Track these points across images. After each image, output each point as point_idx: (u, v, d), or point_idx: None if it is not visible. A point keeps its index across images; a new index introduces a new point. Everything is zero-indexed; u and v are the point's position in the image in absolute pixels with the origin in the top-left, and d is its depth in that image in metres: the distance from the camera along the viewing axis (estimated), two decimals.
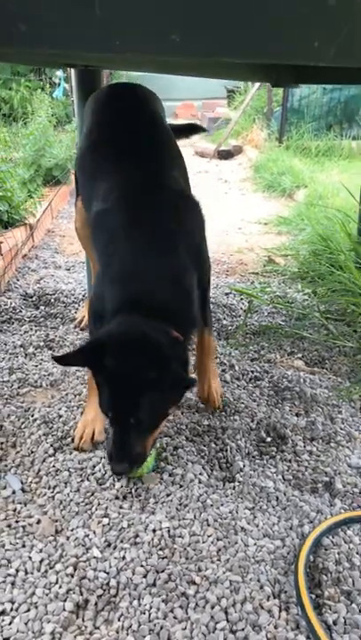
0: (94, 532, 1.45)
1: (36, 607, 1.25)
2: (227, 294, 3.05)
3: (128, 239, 1.64)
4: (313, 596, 1.30)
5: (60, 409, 1.93)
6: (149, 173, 1.80)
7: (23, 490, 1.60)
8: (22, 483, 1.62)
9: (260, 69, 1.86)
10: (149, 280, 1.57)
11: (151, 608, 1.26)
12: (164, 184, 1.80)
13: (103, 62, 1.85)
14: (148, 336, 1.45)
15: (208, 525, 1.48)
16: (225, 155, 8.72)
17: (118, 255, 1.63)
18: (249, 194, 6.24)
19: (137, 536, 1.44)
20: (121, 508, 1.54)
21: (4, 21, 0.66)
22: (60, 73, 9.41)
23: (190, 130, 2.76)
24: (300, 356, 2.43)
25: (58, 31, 0.67)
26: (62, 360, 1.61)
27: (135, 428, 1.46)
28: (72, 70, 2.64)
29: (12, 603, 1.26)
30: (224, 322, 2.71)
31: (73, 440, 1.78)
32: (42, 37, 0.67)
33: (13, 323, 2.62)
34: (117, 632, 1.21)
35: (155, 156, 1.88)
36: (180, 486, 1.61)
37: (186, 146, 9.54)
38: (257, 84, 8.24)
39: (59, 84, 9.60)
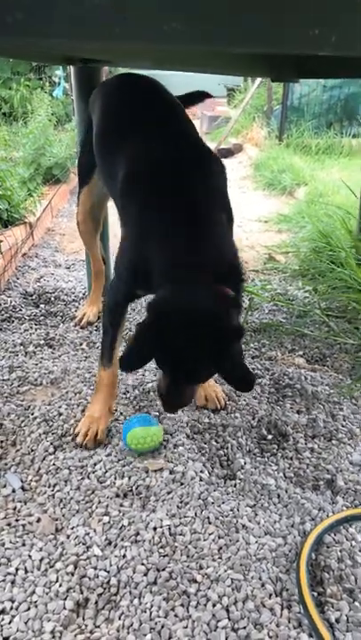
0: (95, 531, 1.44)
1: (36, 606, 1.24)
2: None
3: (164, 196, 1.56)
4: (315, 594, 1.29)
5: (60, 407, 1.92)
6: (176, 133, 1.77)
7: (23, 488, 1.59)
8: (22, 481, 1.61)
9: (260, 63, 1.84)
10: (194, 237, 1.50)
11: (152, 606, 1.25)
12: (191, 142, 1.76)
13: (102, 54, 1.83)
14: (206, 310, 1.41)
15: (209, 523, 1.47)
16: (225, 153, 8.70)
17: (156, 213, 1.55)
18: (249, 192, 6.23)
19: (138, 534, 1.43)
20: (121, 505, 1.53)
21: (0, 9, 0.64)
22: (59, 72, 9.40)
23: (195, 98, 2.61)
24: (301, 353, 2.42)
25: (56, 20, 0.66)
26: (130, 366, 1.56)
27: (188, 383, 1.53)
28: (71, 69, 2.63)
29: (12, 602, 1.25)
30: None
31: (75, 436, 1.77)
32: (39, 26, 0.65)
33: (13, 321, 2.61)
34: (118, 631, 1.20)
35: (176, 120, 1.84)
36: (181, 484, 1.60)
37: None
38: (257, 82, 8.22)
39: (58, 83, 9.58)
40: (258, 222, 4.78)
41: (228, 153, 8.72)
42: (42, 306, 2.78)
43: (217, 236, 1.54)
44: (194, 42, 0.68)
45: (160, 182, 1.57)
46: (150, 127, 1.76)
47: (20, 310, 2.70)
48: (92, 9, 0.64)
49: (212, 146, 8.81)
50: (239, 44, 0.69)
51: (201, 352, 1.41)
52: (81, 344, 2.40)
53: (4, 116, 8.44)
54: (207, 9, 0.65)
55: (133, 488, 1.59)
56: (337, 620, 1.23)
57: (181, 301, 1.41)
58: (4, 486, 1.59)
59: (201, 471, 1.64)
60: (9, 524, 1.46)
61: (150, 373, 2.15)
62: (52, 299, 2.83)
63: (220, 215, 1.60)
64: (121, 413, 1.91)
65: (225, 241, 1.58)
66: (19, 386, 2.08)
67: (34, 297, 2.86)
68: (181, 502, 1.54)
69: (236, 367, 1.44)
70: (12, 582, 1.29)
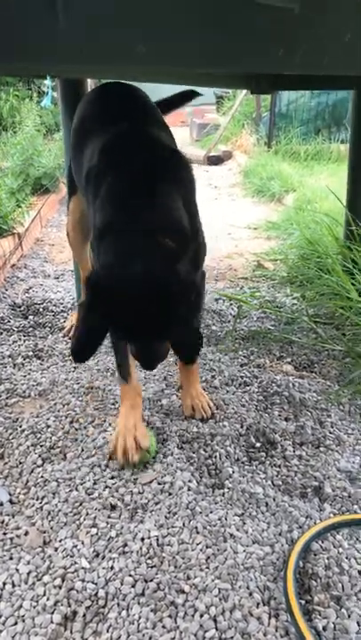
0: (83, 543, 1.44)
1: (24, 620, 1.23)
2: (216, 300, 3.05)
3: (120, 195, 1.52)
4: (303, 602, 1.30)
5: (48, 419, 1.92)
6: (136, 128, 1.72)
7: (11, 501, 1.59)
8: (10, 494, 1.61)
9: (238, 77, 1.87)
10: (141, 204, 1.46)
11: (140, 618, 1.25)
12: (158, 145, 1.71)
13: (74, 73, 1.85)
14: (147, 272, 1.35)
15: (197, 533, 1.47)
16: (215, 160, 8.75)
17: (111, 211, 1.51)
18: (238, 199, 6.26)
19: (125, 545, 1.43)
20: (109, 517, 1.53)
21: None
22: (48, 82, 9.43)
23: (183, 98, 2.56)
24: (289, 360, 2.43)
25: (21, 44, 0.67)
26: (82, 357, 1.51)
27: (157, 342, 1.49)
28: (57, 80, 2.65)
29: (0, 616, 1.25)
30: (213, 327, 2.71)
31: (110, 458, 1.73)
32: (3, 50, 0.66)
33: (2, 333, 2.61)
34: None
35: (143, 123, 1.80)
36: (169, 494, 1.60)
37: None
38: (245, 90, 8.28)
39: (47, 93, 9.60)
40: (247, 229, 4.80)
41: (218, 160, 8.77)
42: (30, 317, 2.78)
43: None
44: (159, 64, 0.69)
45: (118, 181, 1.54)
46: (116, 129, 1.72)
47: (9, 322, 2.71)
48: (56, 33, 0.65)
49: (201, 153, 8.87)
50: (205, 66, 0.70)
51: (155, 313, 1.36)
52: (70, 355, 2.40)
53: None
54: (170, 32, 0.67)
55: (121, 499, 1.59)
56: (324, 628, 1.23)
57: (121, 270, 1.35)
58: None
59: (189, 481, 1.65)
60: None
61: (139, 382, 2.15)
62: (41, 310, 2.84)
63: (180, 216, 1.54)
64: (109, 424, 1.91)
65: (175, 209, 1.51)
66: (7, 398, 2.08)
67: (22, 308, 2.86)
68: (169, 512, 1.54)
69: (186, 333, 1.42)
70: (0, 597, 1.29)
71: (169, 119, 2.38)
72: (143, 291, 1.34)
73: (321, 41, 0.68)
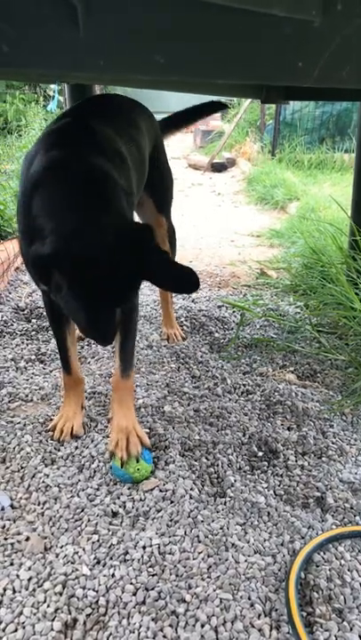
0: (84, 549, 1.44)
1: (24, 627, 1.23)
2: (219, 307, 3.06)
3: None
4: (304, 614, 1.29)
5: (50, 424, 1.92)
6: (74, 123, 1.66)
7: (12, 506, 1.58)
8: (12, 499, 1.61)
9: (248, 87, 1.88)
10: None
11: (141, 627, 1.24)
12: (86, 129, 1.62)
13: (90, 80, 1.86)
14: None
15: (199, 542, 1.47)
16: (218, 167, 8.77)
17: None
18: (242, 206, 6.27)
19: (127, 553, 1.42)
20: (111, 524, 1.52)
21: None
22: (54, 86, 9.47)
23: (211, 108, 2.56)
24: (291, 369, 2.43)
25: (41, 52, 0.67)
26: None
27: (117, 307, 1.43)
28: (65, 85, 2.66)
29: (0, 623, 1.24)
30: (216, 334, 2.71)
31: (52, 431, 1.88)
32: (24, 58, 0.67)
33: (5, 336, 2.60)
34: None
35: (87, 117, 1.73)
36: (171, 502, 1.60)
37: (180, 158, 9.61)
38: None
39: (53, 97, 9.64)
40: (250, 237, 4.81)
41: (222, 167, 8.79)
42: (33, 321, 2.78)
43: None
44: (177, 75, 0.69)
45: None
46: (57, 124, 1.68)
47: (12, 325, 2.70)
48: (77, 42, 0.66)
49: (205, 160, 8.89)
50: (222, 77, 0.70)
51: (122, 271, 1.31)
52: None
53: None
54: (189, 43, 0.67)
55: (123, 506, 1.58)
56: None
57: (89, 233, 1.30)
58: None
59: (191, 489, 1.64)
60: None
61: (141, 389, 2.16)
62: (44, 313, 2.83)
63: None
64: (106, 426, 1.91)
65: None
66: (9, 402, 2.07)
67: (25, 312, 2.86)
68: (171, 521, 1.53)
69: (167, 268, 1.33)
70: (0, 603, 1.28)
71: None
72: (115, 250, 1.29)
73: (341, 54, 0.68)
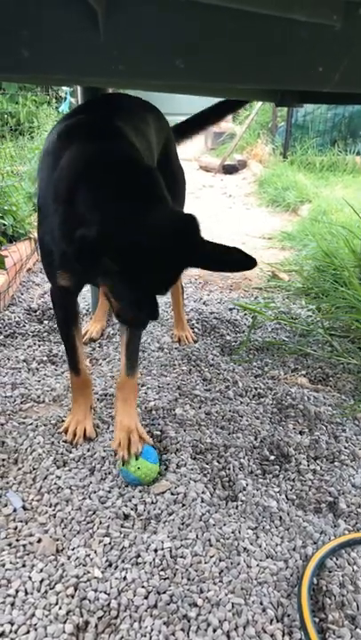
0: (95, 552, 1.44)
1: (36, 629, 1.23)
2: (230, 310, 3.05)
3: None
4: (317, 620, 1.28)
5: (62, 425, 1.92)
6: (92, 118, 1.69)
7: (24, 508, 1.59)
8: (23, 500, 1.61)
9: (264, 90, 1.87)
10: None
11: (152, 630, 1.24)
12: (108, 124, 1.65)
13: (109, 84, 1.86)
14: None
15: (210, 545, 1.46)
16: (229, 169, 8.76)
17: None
18: (253, 208, 6.26)
19: (138, 556, 1.42)
20: (122, 526, 1.52)
21: (7, 48, 0.66)
22: (66, 87, 9.49)
23: (229, 107, 2.60)
24: (303, 372, 2.42)
25: (62, 57, 0.67)
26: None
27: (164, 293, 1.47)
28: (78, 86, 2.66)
29: (12, 624, 1.24)
30: (228, 337, 2.71)
31: (65, 433, 1.88)
32: (45, 63, 0.67)
33: (17, 337, 2.61)
34: None
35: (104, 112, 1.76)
36: (183, 505, 1.59)
37: (191, 160, 9.60)
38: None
39: (65, 99, 9.67)
40: (261, 239, 4.80)
41: (233, 169, 8.78)
42: (45, 322, 2.78)
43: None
44: (198, 80, 0.69)
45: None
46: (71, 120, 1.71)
47: (24, 326, 2.71)
48: (98, 47, 0.66)
49: (216, 161, 8.88)
50: (242, 82, 0.70)
51: (171, 256, 1.35)
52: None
53: (10, 130, 8.51)
54: (209, 48, 0.66)
55: (135, 509, 1.58)
56: None
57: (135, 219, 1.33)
58: (5, 505, 1.59)
59: (203, 492, 1.64)
60: (10, 544, 1.46)
61: (152, 392, 2.15)
62: None
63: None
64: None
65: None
66: (21, 403, 2.08)
67: (37, 313, 2.87)
68: (183, 524, 1.53)
69: (216, 251, 1.37)
70: (12, 604, 1.28)
71: None
72: (165, 236, 1.33)
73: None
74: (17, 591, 1.32)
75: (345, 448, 1.90)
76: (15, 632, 1.22)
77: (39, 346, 2.53)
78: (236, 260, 1.37)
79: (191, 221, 1.35)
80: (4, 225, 3.49)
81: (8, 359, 2.38)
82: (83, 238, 1.27)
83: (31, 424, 1.93)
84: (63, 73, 0.72)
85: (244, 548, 1.46)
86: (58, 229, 1.52)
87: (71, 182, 1.44)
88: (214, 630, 1.24)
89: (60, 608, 1.28)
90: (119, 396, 1.86)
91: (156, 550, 1.43)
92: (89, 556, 1.42)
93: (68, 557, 1.42)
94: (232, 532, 1.50)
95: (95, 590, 1.32)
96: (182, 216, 1.38)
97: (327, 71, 0.67)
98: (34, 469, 1.72)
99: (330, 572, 1.40)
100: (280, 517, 1.58)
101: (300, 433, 1.98)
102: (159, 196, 1.41)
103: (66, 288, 1.72)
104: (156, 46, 0.68)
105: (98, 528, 1.51)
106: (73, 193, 1.42)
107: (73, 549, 1.45)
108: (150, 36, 0.67)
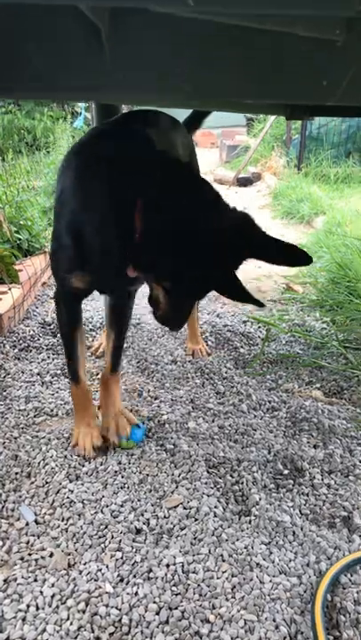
0: (107, 567, 1.43)
1: None
2: (244, 322, 3.04)
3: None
4: (331, 638, 1.26)
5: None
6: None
7: (37, 521, 1.59)
8: (36, 514, 1.61)
9: (273, 105, 1.88)
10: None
11: None
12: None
13: (117, 101, 1.88)
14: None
15: (223, 561, 1.45)
16: (244, 182, 8.79)
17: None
18: (268, 220, 6.26)
19: (150, 571, 1.41)
20: (134, 541, 1.51)
21: (18, 67, 0.67)
22: (81, 103, 9.61)
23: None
24: (318, 385, 2.40)
25: (71, 79, 0.68)
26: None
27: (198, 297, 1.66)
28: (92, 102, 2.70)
29: None
30: (241, 350, 2.70)
31: (75, 448, 1.89)
32: (57, 84, 0.68)
33: (31, 350, 2.63)
34: None
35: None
36: (195, 520, 1.58)
37: (205, 173, 9.65)
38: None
39: (80, 114, 9.79)
40: None
41: (247, 181, 8.80)
42: (59, 335, 2.79)
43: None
44: (205, 99, 0.69)
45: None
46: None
47: (38, 340, 2.73)
48: (105, 71, 0.66)
49: (231, 174, 8.92)
50: (246, 97, 0.70)
51: (229, 252, 1.45)
52: (97, 374, 2.41)
53: (27, 145, 8.61)
54: (214, 68, 0.67)
55: (147, 523, 1.58)
56: None
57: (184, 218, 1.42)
58: (18, 519, 1.59)
59: (215, 507, 1.63)
60: (22, 559, 1.46)
61: (165, 405, 2.15)
62: None
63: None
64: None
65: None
66: (34, 416, 2.09)
67: (52, 326, 2.88)
68: (195, 539, 1.52)
69: (275, 245, 1.48)
70: (23, 619, 1.28)
71: (199, 140, 2.41)
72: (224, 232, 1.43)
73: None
74: (28, 606, 1.31)
75: (359, 462, 1.87)
76: None
77: (53, 359, 2.54)
78: (295, 254, 1.46)
79: (248, 216, 1.50)
80: (20, 239, 3.53)
81: (22, 372, 2.40)
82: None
83: (44, 437, 1.94)
84: (69, 91, 0.72)
85: (257, 564, 1.44)
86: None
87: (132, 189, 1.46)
88: None
89: (71, 623, 1.27)
90: (103, 390, 1.99)
91: (168, 565, 1.42)
92: (100, 570, 1.41)
93: (80, 572, 1.41)
94: (245, 548, 1.49)
95: (106, 605, 1.31)
96: (241, 213, 1.52)
97: (331, 85, 0.68)
98: (47, 483, 1.72)
99: (344, 588, 1.38)
100: (293, 532, 1.56)
101: (315, 447, 1.96)
102: (217, 197, 1.54)
103: (79, 291, 1.73)
104: (162, 70, 0.69)
105: (110, 542, 1.50)
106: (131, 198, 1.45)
107: (85, 564, 1.44)
108: (155, 60, 0.68)
